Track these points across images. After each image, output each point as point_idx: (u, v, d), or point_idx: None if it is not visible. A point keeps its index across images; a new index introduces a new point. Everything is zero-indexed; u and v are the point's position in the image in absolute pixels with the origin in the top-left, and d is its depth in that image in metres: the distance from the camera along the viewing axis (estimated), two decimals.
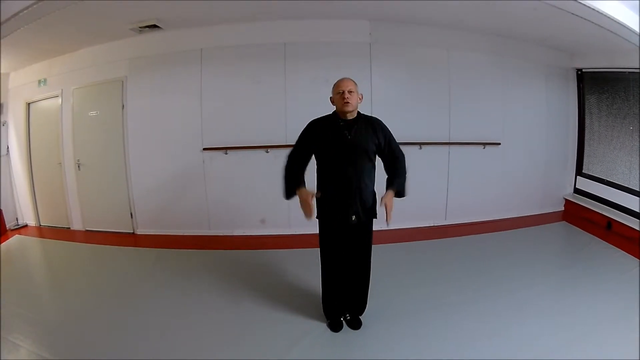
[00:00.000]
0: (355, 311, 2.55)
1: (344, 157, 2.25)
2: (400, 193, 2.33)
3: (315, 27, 4.06)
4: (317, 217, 2.36)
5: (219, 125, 4.18)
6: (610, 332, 2.35)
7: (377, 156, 2.37)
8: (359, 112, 2.33)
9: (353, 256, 2.41)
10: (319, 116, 2.37)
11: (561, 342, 2.28)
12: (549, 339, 2.32)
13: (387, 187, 2.31)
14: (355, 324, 2.52)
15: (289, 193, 2.31)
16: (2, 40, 2.77)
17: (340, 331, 2.48)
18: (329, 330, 2.49)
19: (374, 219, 2.42)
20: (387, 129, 2.36)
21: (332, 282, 2.46)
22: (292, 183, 2.29)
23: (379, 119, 2.38)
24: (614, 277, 3.07)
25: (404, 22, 4.11)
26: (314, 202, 2.24)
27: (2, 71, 4.73)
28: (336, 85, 2.29)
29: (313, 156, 2.35)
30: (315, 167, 2.36)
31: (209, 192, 4.28)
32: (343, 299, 2.51)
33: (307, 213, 2.24)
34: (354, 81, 2.30)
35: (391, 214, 2.23)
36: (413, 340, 2.38)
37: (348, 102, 2.22)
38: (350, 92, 2.22)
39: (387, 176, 2.37)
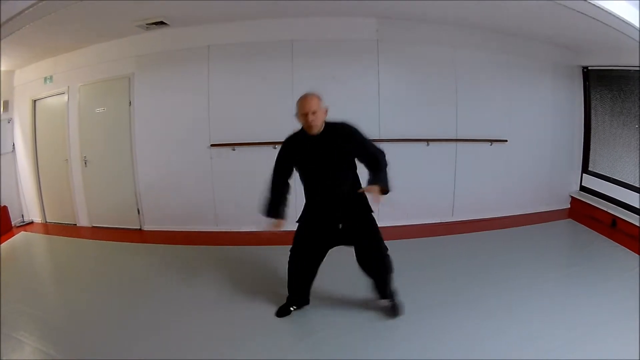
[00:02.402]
0: (382, 296, 2.60)
1: (320, 170, 2.32)
2: (383, 189, 2.28)
3: (323, 25, 4.08)
4: (297, 222, 2.51)
5: (226, 121, 4.20)
6: (613, 332, 2.34)
7: (355, 159, 2.37)
8: (325, 124, 2.31)
9: (364, 248, 2.45)
10: (292, 132, 2.40)
11: (564, 341, 2.27)
12: (552, 337, 2.32)
13: (368, 183, 2.30)
14: (396, 311, 2.56)
15: (266, 214, 2.45)
16: (8, 38, 2.78)
17: (340, 329, 2.48)
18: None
19: (372, 213, 2.45)
20: (358, 133, 2.32)
21: (298, 277, 2.57)
22: (269, 209, 2.43)
23: (347, 124, 2.33)
24: (618, 275, 3.07)
25: (411, 20, 4.11)
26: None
27: (8, 68, 4.75)
28: (299, 106, 2.26)
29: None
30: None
31: (216, 188, 4.30)
32: (301, 292, 2.61)
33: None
34: (317, 96, 2.25)
35: (377, 197, 2.23)
36: (417, 337, 2.38)
37: (311, 126, 2.24)
38: (314, 113, 2.21)
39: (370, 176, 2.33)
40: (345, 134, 2.31)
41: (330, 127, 2.31)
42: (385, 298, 2.61)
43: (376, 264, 2.48)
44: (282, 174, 2.43)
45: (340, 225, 2.39)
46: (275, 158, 2.44)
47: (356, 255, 2.49)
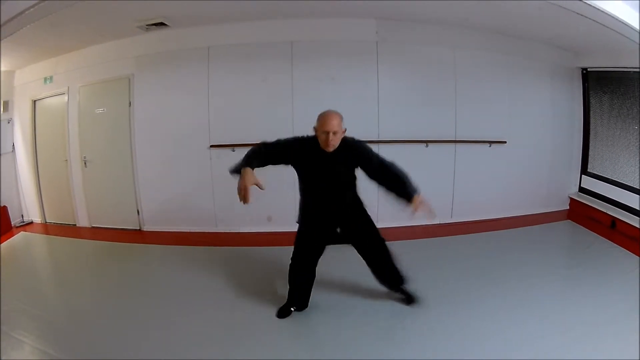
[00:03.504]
0: (394, 284, 2.68)
1: (327, 181, 2.36)
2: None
3: (322, 26, 4.08)
4: (297, 222, 2.55)
5: (226, 122, 4.20)
6: (612, 332, 2.34)
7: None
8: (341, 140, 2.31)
9: (364, 243, 2.56)
10: (306, 137, 2.34)
11: (563, 341, 2.28)
12: (551, 338, 2.32)
13: (409, 199, 2.24)
14: (411, 300, 2.68)
15: (236, 170, 2.17)
16: (8, 38, 2.77)
17: (340, 329, 2.49)
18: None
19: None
20: (367, 153, 2.33)
21: (300, 283, 2.61)
22: (244, 163, 2.14)
23: (358, 142, 2.35)
24: (617, 276, 3.07)
25: (411, 21, 4.12)
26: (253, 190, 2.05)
27: (8, 69, 4.75)
28: (320, 123, 2.23)
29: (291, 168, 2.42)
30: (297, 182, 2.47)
31: (216, 189, 4.29)
32: (302, 296, 2.65)
33: (241, 197, 2.02)
34: (340, 116, 2.25)
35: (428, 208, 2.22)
36: (416, 338, 2.39)
37: (329, 145, 2.23)
38: (334, 133, 2.21)
39: (399, 192, 2.27)
40: (357, 152, 2.34)
41: (344, 144, 2.30)
42: (395, 288, 2.70)
43: (379, 251, 2.57)
44: (268, 156, 2.27)
45: (339, 229, 2.50)
46: (276, 142, 2.31)
47: (358, 251, 2.58)
